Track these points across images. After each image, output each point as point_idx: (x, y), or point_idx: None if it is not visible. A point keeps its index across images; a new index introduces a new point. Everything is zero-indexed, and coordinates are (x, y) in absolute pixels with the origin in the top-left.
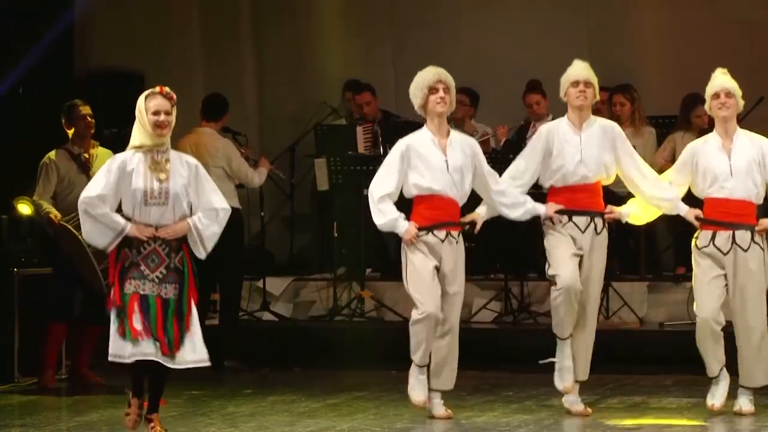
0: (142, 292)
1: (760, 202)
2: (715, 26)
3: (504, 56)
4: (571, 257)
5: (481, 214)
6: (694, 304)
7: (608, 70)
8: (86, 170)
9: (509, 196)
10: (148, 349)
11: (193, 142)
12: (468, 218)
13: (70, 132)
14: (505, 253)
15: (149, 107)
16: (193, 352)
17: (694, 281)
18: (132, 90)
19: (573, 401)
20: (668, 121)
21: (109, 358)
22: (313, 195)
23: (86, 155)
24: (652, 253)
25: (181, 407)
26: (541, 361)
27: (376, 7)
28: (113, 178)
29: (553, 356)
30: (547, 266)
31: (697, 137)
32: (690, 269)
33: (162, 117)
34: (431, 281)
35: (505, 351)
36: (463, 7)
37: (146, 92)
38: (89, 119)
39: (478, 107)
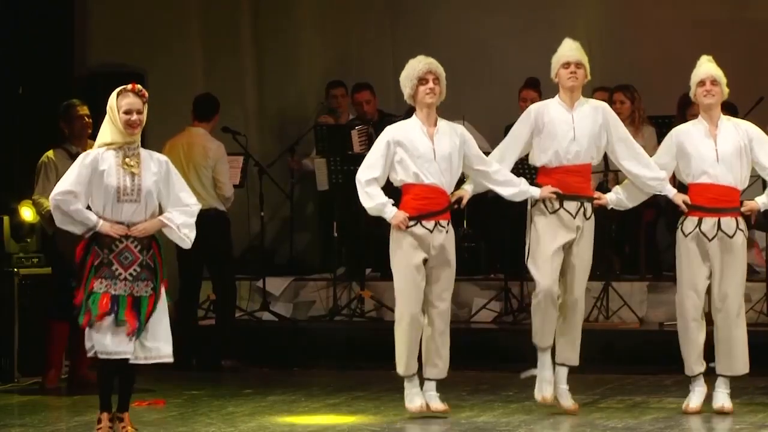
0: (113, 292)
1: (745, 186)
2: (715, 26)
3: (504, 55)
4: (553, 257)
5: (468, 190)
6: (677, 294)
7: (608, 70)
8: None
9: (501, 174)
10: (124, 347)
11: (185, 142)
12: (455, 195)
13: (67, 131)
14: (505, 253)
15: (121, 105)
16: (143, 349)
17: (678, 271)
18: None
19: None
20: (668, 120)
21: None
22: (313, 195)
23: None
24: (652, 253)
25: (181, 407)
26: (522, 375)
27: (375, 7)
28: (85, 175)
29: (534, 367)
30: (527, 257)
31: None
32: None
33: (134, 116)
34: (414, 281)
35: (505, 351)
36: (463, 5)
37: (118, 89)
38: (87, 119)
39: (477, 106)
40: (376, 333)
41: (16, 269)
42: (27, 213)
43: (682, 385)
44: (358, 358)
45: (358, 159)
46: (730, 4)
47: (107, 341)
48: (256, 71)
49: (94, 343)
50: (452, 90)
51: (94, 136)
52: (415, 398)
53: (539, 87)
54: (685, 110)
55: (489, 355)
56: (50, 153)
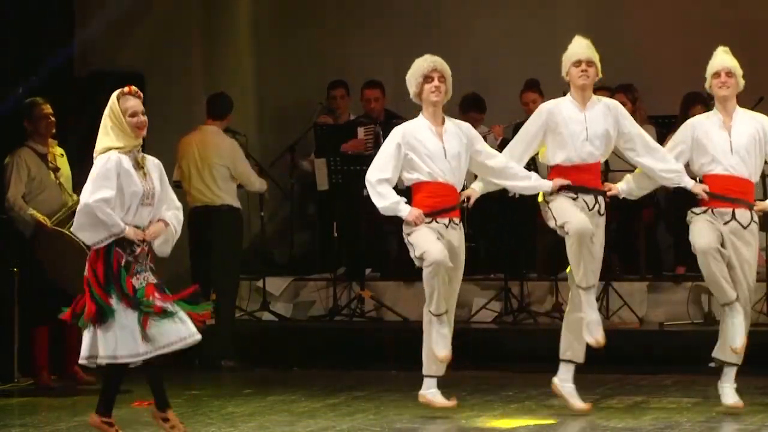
0: (155, 282)
1: (757, 179)
2: (716, 26)
3: (504, 56)
4: (581, 212)
5: (476, 189)
6: (692, 240)
7: (608, 70)
8: (56, 170)
9: (512, 168)
10: (169, 338)
11: (198, 140)
12: (464, 194)
13: (31, 129)
14: (505, 253)
15: (125, 109)
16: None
17: (691, 231)
18: None
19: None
20: (668, 120)
21: (121, 360)
22: (313, 195)
23: (52, 154)
24: (652, 253)
25: (181, 407)
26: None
27: (377, 8)
28: (117, 180)
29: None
30: (552, 221)
31: None
32: (690, 269)
33: (141, 117)
34: (437, 239)
35: (505, 351)
36: (464, 7)
37: (116, 93)
38: (51, 118)
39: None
40: (376, 333)
41: (16, 269)
42: None
43: (682, 385)
44: (358, 358)
45: (358, 159)
46: (729, 4)
47: (122, 345)
48: (256, 71)
49: (107, 347)
50: (452, 91)
51: (55, 135)
52: (443, 344)
53: (539, 88)
54: (688, 110)
55: (489, 355)
56: (19, 151)
